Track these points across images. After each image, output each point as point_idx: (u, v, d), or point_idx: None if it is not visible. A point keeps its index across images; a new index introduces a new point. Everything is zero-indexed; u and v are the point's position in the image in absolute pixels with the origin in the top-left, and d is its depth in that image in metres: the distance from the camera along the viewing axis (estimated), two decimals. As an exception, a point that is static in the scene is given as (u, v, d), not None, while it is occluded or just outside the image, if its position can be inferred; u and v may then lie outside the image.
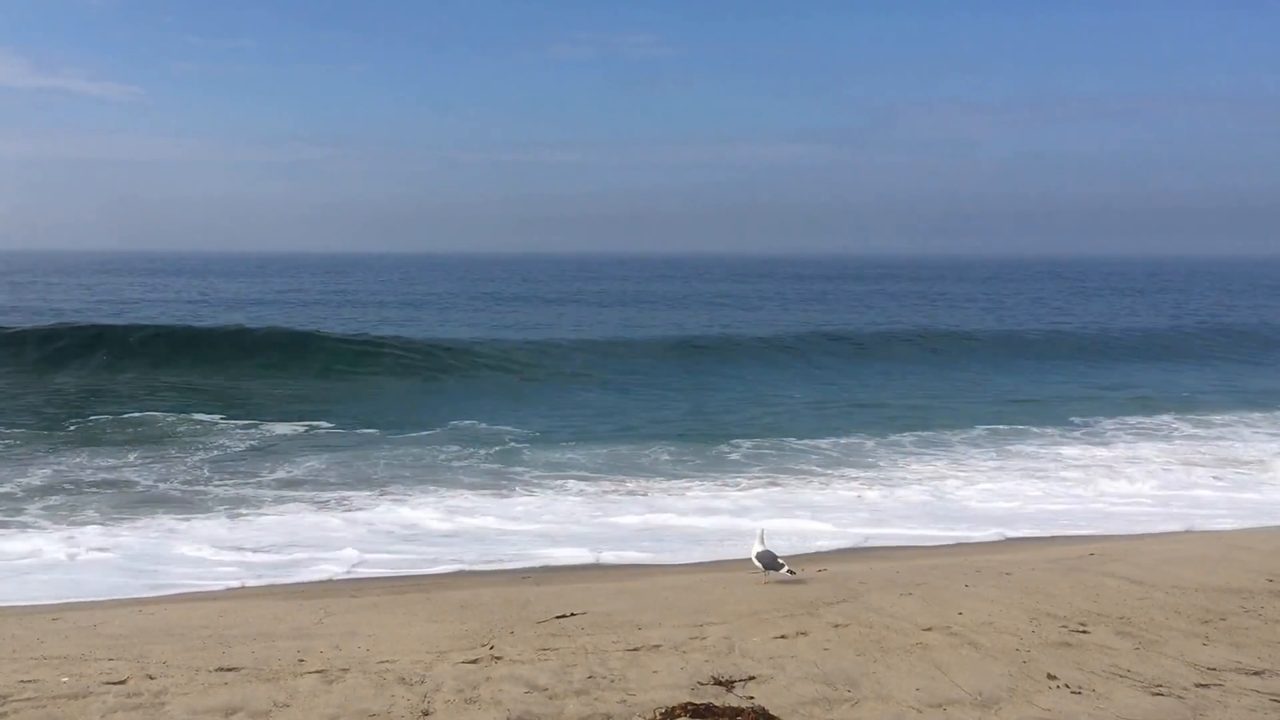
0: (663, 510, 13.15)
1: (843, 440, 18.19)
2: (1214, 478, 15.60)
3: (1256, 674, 6.11)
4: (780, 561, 8.59)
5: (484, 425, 19.37)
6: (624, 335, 36.68)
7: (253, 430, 18.85)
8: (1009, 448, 17.81)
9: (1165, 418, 21.17)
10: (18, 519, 12.28)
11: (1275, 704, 5.60)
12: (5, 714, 5.36)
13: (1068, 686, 5.85)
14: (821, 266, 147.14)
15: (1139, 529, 12.32)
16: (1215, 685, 5.89)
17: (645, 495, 14.10)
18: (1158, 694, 5.74)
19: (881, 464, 16.38)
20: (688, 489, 14.50)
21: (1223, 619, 7.32)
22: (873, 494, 14.28)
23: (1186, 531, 12.21)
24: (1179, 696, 5.70)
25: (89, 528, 11.85)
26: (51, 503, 13.10)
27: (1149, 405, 22.91)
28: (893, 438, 18.47)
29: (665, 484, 14.77)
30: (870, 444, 17.93)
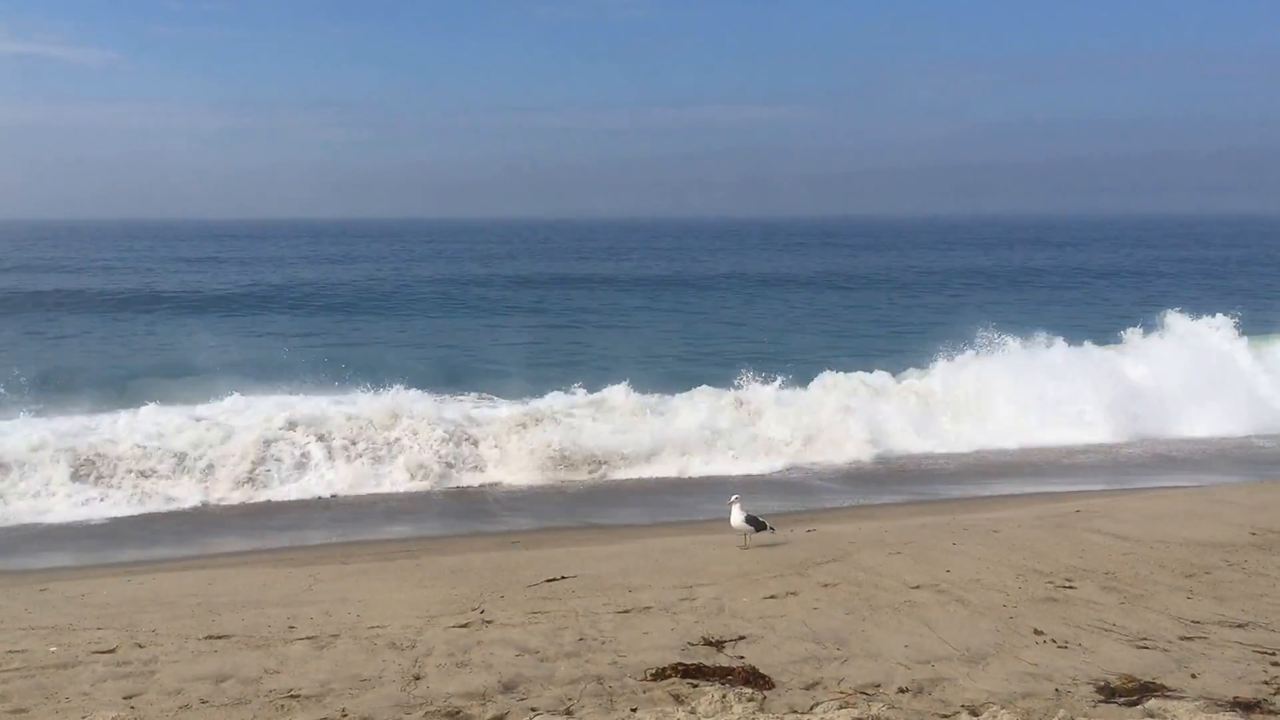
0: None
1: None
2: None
3: (1240, 626, 6.18)
4: (764, 521, 8.67)
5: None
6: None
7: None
8: None
9: None
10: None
11: (1258, 655, 5.66)
12: (-6, 685, 5.34)
13: (1054, 641, 5.90)
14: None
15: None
16: (1199, 638, 5.95)
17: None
18: (1143, 647, 5.79)
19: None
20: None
21: (1206, 573, 7.39)
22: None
23: (1172, 487, 12.32)
24: (1164, 649, 5.75)
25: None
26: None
27: None
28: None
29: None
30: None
